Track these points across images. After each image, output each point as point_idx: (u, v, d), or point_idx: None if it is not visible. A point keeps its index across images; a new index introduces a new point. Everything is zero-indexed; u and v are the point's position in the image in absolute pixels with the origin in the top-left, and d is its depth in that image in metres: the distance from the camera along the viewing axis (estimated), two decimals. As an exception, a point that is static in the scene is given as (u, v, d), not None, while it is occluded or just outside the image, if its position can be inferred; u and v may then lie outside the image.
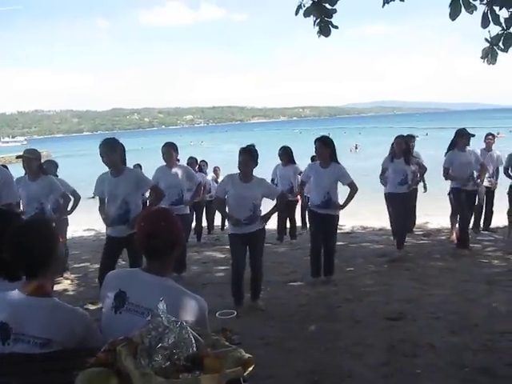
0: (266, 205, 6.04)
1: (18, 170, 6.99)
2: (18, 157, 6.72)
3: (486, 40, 4.72)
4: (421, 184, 9.53)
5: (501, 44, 4.70)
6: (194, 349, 1.87)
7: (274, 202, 6.09)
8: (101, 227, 10.08)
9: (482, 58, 4.82)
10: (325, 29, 5.19)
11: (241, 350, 1.94)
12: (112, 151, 5.64)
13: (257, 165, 5.82)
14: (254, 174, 5.86)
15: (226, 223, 6.16)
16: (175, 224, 2.49)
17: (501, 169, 9.56)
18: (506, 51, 4.71)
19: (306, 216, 9.17)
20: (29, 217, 6.10)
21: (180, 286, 2.45)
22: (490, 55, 4.80)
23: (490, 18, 4.51)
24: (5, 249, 2.34)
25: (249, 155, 5.74)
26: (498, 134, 29.79)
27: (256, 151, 5.83)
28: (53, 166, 7.98)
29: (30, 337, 2.23)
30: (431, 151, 17.56)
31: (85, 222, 12.38)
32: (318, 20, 5.18)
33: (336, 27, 5.21)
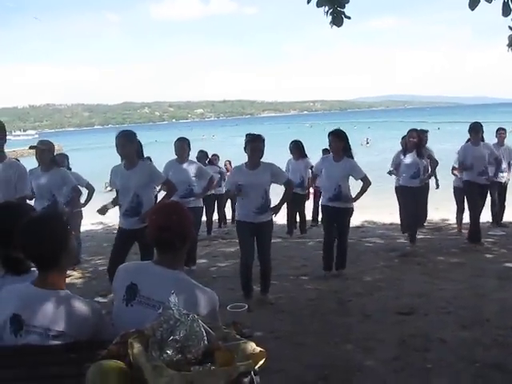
0: (275, 196, 6.04)
1: (30, 163, 7.02)
2: (31, 147, 6.76)
3: (510, 28, 4.67)
4: (433, 179, 9.46)
5: None
6: (206, 342, 1.87)
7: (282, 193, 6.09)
8: (112, 220, 10.09)
9: (507, 45, 4.77)
10: (337, 19, 5.16)
11: (252, 343, 1.94)
12: (129, 142, 5.65)
13: (262, 154, 5.82)
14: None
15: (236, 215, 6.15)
16: (187, 217, 2.50)
17: None
18: None
19: (318, 210, 9.18)
20: (41, 209, 6.15)
21: (191, 279, 2.46)
22: None
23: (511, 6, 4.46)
24: (17, 242, 2.35)
25: (260, 142, 5.77)
26: None
27: (264, 141, 5.83)
28: (65, 159, 8.01)
29: (42, 329, 2.25)
30: (444, 145, 17.47)
31: (98, 215, 12.43)
32: (331, 10, 5.15)
33: (348, 17, 5.18)
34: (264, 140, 5.83)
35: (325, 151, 10.81)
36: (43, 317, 2.26)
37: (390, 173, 8.95)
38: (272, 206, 5.91)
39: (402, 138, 8.23)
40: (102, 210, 5.99)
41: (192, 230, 2.52)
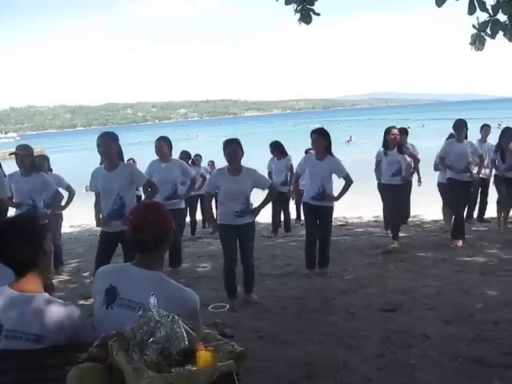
0: (257, 196, 6.04)
1: (12, 166, 6.96)
2: (11, 154, 6.71)
3: (474, 26, 4.71)
4: (415, 177, 9.49)
5: (488, 30, 4.69)
6: (186, 343, 1.86)
7: (265, 194, 6.09)
8: (91, 223, 10.05)
9: (470, 44, 4.81)
10: (306, 16, 5.14)
11: (233, 343, 1.93)
12: (111, 142, 5.63)
13: (243, 154, 5.79)
14: (243, 164, 5.83)
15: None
16: (164, 218, 2.47)
17: None
18: (494, 37, 4.71)
19: (301, 208, 9.20)
20: (18, 213, 6.11)
21: (170, 279, 2.44)
22: (477, 41, 4.79)
23: (477, 5, 4.51)
24: None
25: (236, 145, 5.73)
26: (501, 123, 29.62)
27: (240, 143, 5.80)
28: (45, 160, 7.93)
29: (21, 333, 2.23)
30: (429, 142, 17.57)
31: (80, 217, 12.34)
32: (300, 7, 5.14)
33: (318, 14, 5.15)
34: (240, 143, 5.79)
35: (307, 152, 10.92)
36: (22, 321, 2.24)
37: (378, 177, 8.89)
38: (253, 207, 5.89)
39: (384, 135, 8.22)
40: (103, 222, 5.84)
41: (170, 231, 2.48)
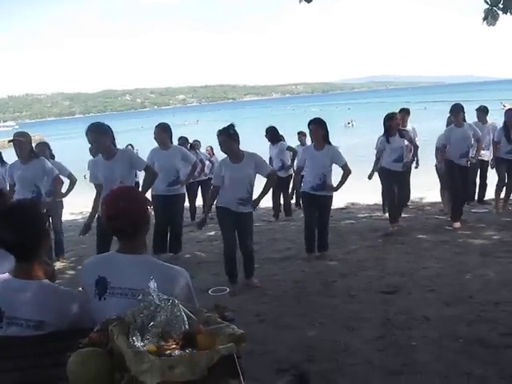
0: (258, 182, 6.04)
1: (11, 154, 6.96)
2: (9, 141, 6.70)
3: (486, 1, 4.69)
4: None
5: (500, 5, 4.67)
6: (187, 326, 1.87)
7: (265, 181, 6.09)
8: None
9: (483, 19, 4.79)
10: None
11: (233, 326, 1.94)
12: (103, 135, 5.58)
13: (239, 143, 5.78)
14: (243, 150, 5.83)
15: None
16: (137, 203, 2.44)
17: None
18: (506, 12, 4.69)
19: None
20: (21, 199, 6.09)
21: (156, 259, 2.46)
22: (490, 17, 4.77)
23: None
24: None
25: (226, 136, 5.70)
26: (505, 104, 29.46)
27: (234, 130, 5.75)
28: (46, 147, 7.90)
29: (22, 320, 2.25)
30: (430, 125, 17.48)
31: (80, 205, 12.34)
32: None
33: None
34: (231, 132, 5.72)
35: (300, 134, 11.02)
36: (23, 308, 2.25)
37: (370, 177, 8.75)
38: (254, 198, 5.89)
39: (384, 123, 8.09)
40: (85, 230, 5.85)
41: (144, 215, 2.45)
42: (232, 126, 5.81)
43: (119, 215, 2.34)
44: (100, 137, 5.56)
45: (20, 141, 6.44)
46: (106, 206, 2.42)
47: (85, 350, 1.93)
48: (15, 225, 2.32)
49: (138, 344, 1.80)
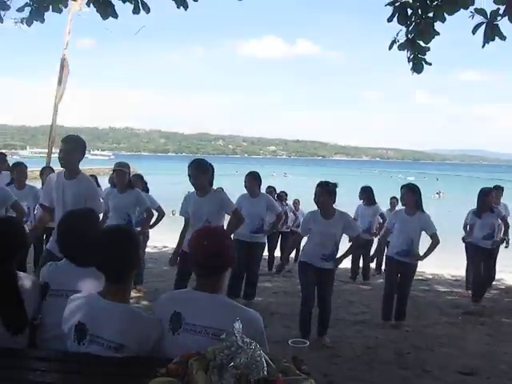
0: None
1: (104, 182, 7.30)
2: (113, 170, 7.09)
3: None
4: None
5: None
6: (265, 373, 1.87)
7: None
8: (173, 244, 10.23)
9: None
10: (418, 65, 5.19)
11: (312, 380, 1.92)
12: (202, 173, 5.77)
13: (334, 202, 5.78)
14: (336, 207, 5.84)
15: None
16: (231, 243, 2.59)
17: None
18: None
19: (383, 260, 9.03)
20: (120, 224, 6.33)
21: (232, 301, 2.50)
22: None
23: None
24: (95, 251, 2.45)
25: (325, 190, 5.72)
26: None
27: (334, 188, 5.78)
28: (140, 179, 8.22)
29: (104, 340, 2.31)
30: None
31: (163, 241, 12.62)
32: (412, 56, 5.18)
33: (429, 64, 5.18)
34: (333, 189, 5.74)
35: (392, 198, 10.80)
36: (107, 329, 2.32)
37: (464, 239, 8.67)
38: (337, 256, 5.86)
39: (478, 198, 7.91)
40: (174, 259, 6.02)
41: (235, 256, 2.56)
42: (334, 184, 5.82)
43: (224, 252, 2.43)
44: (199, 174, 5.74)
45: (122, 171, 6.80)
46: (211, 243, 2.43)
47: (162, 379, 1.95)
48: (116, 246, 2.43)
49: (216, 382, 1.81)
